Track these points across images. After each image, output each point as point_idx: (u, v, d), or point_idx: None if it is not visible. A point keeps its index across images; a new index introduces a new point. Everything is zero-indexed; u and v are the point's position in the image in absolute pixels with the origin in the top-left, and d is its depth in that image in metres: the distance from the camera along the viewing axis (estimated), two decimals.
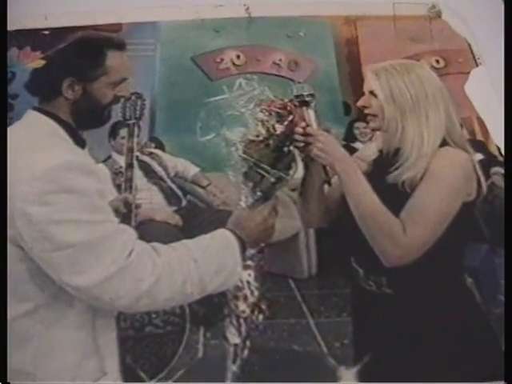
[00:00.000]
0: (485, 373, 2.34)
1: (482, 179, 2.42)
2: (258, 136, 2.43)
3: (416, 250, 2.33)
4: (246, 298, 2.61)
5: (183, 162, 3.66)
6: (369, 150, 2.70)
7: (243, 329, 2.64)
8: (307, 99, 2.51)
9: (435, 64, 3.54)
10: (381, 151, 2.55)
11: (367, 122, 2.55)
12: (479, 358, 2.37)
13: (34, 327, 2.16)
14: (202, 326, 2.86)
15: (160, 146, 3.69)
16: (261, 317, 2.69)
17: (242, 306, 2.61)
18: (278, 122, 2.45)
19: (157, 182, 3.58)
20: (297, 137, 2.44)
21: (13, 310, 2.15)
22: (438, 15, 3.18)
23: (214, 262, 2.24)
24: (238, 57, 3.59)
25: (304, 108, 2.50)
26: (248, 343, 2.63)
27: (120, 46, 2.33)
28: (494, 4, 2.91)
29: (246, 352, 2.62)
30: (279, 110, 2.46)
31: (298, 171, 2.48)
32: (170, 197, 3.57)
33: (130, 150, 3.38)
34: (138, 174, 3.43)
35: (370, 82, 2.49)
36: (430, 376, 2.35)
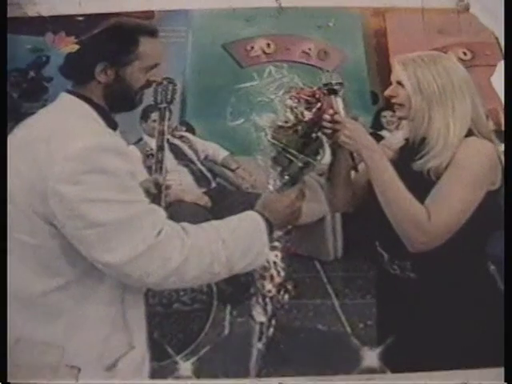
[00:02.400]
0: (506, 358, 2.34)
1: None
2: (286, 122, 2.43)
3: (440, 236, 2.33)
4: (272, 278, 2.62)
5: (213, 146, 3.65)
6: (395, 138, 2.70)
7: (269, 308, 2.64)
8: (335, 87, 2.52)
9: (462, 56, 3.51)
10: (407, 140, 2.54)
11: (394, 111, 2.55)
12: (498, 343, 2.37)
13: (65, 302, 2.17)
14: (228, 304, 2.86)
15: (191, 129, 3.68)
16: (286, 296, 2.69)
17: (269, 286, 2.62)
18: (306, 109, 2.44)
19: (187, 164, 3.58)
20: (325, 124, 2.43)
21: (45, 284, 2.15)
22: (467, 8, 3.16)
23: (241, 242, 2.23)
24: (269, 45, 3.59)
25: (332, 96, 2.50)
26: (273, 322, 2.64)
27: (152, 33, 2.33)
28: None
29: (271, 330, 2.63)
30: (308, 98, 2.46)
31: (326, 157, 2.47)
32: (200, 179, 3.58)
33: (161, 133, 3.39)
34: (168, 156, 3.44)
35: (398, 73, 2.48)
36: (451, 360, 2.34)
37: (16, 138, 2.20)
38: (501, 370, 2.24)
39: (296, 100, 2.46)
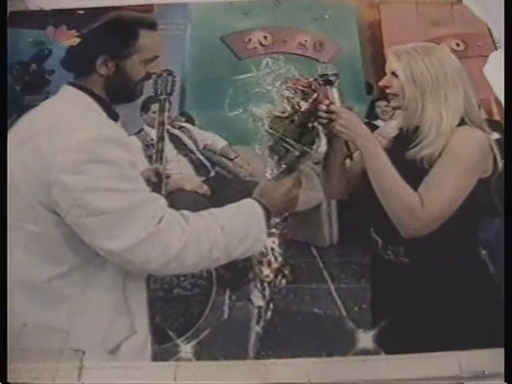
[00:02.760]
0: (494, 340, 2.37)
1: (498, 157, 2.42)
2: (283, 112, 2.45)
3: (433, 222, 2.36)
4: (270, 264, 2.65)
5: (212, 136, 3.67)
6: (389, 127, 2.73)
7: (267, 292, 2.67)
8: (331, 78, 2.54)
9: (455, 47, 3.53)
10: (401, 129, 2.56)
11: (388, 101, 2.57)
12: (489, 326, 2.41)
13: (69, 288, 2.22)
14: (227, 289, 2.88)
15: (190, 120, 3.69)
16: (284, 281, 2.72)
17: (266, 271, 2.65)
18: (302, 99, 2.47)
19: (186, 154, 3.60)
20: (321, 113, 2.46)
21: (48, 271, 2.20)
22: (459, 0, 3.19)
23: (240, 229, 2.27)
24: (265, 37, 3.60)
25: (328, 87, 2.53)
26: (271, 306, 2.67)
27: (152, 26, 2.36)
28: None
29: (269, 314, 2.66)
30: (304, 88, 2.49)
31: (322, 146, 2.50)
32: (199, 168, 3.59)
33: (161, 124, 3.42)
34: (168, 146, 3.46)
35: (392, 63, 2.50)
36: (443, 342, 2.36)
37: (19, 130, 2.24)
38: (491, 351, 2.28)
39: (293, 91, 2.49)
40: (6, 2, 2.70)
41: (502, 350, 2.21)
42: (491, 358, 2.28)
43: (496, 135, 2.64)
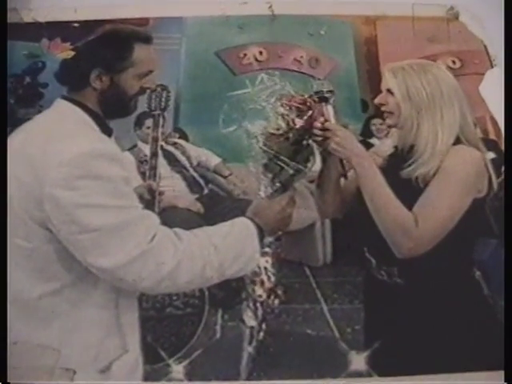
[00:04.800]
0: (490, 362, 2.37)
1: (494, 177, 2.43)
2: (278, 129, 2.45)
3: (427, 242, 2.36)
4: (262, 283, 2.64)
5: (206, 153, 3.67)
6: (384, 145, 2.74)
7: (259, 312, 2.67)
8: (326, 95, 2.54)
9: (451, 64, 3.54)
10: (396, 147, 2.57)
11: (384, 119, 2.57)
12: (485, 348, 2.40)
13: (60, 305, 2.20)
14: (220, 309, 2.88)
15: (184, 136, 3.69)
16: (277, 301, 2.72)
17: (259, 291, 2.65)
18: (297, 116, 2.46)
19: (180, 171, 3.60)
20: (315, 131, 2.46)
21: (40, 288, 2.18)
22: (456, 17, 3.19)
23: (233, 248, 2.26)
24: (261, 53, 3.60)
25: (323, 104, 2.52)
26: (264, 326, 2.66)
27: (147, 40, 2.36)
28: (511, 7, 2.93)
29: (261, 334, 2.65)
30: (299, 105, 2.49)
31: (316, 164, 2.50)
32: (193, 185, 3.59)
33: (155, 140, 3.41)
34: (162, 162, 3.46)
35: (388, 81, 2.50)
36: (437, 364, 2.37)
37: (12, 144, 2.22)
38: (485, 374, 2.28)
39: (287, 107, 2.48)
40: (6, 14, 2.70)
41: (497, 373, 2.21)
42: (486, 381, 2.28)
43: (491, 155, 2.65)
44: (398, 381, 2.34)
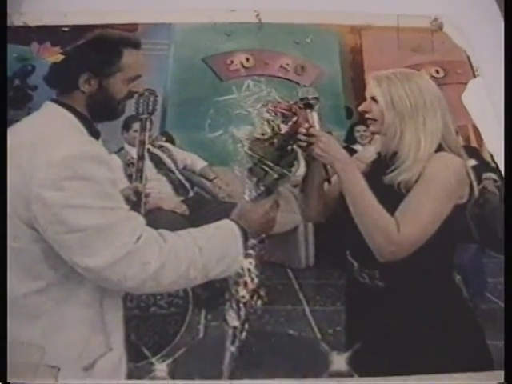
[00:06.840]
0: (469, 364, 2.39)
1: (475, 183, 2.45)
2: (263, 134, 2.47)
3: (408, 247, 2.38)
4: (246, 285, 2.65)
5: (192, 156, 3.66)
6: (368, 152, 2.75)
7: (242, 313, 2.67)
8: (311, 102, 2.56)
9: (435, 74, 3.54)
10: (379, 153, 2.59)
11: (367, 126, 2.59)
12: (464, 350, 2.42)
13: (45, 304, 2.21)
14: (203, 309, 2.88)
15: (170, 140, 3.68)
16: (259, 302, 2.72)
17: (242, 292, 2.65)
18: (283, 122, 2.48)
19: (166, 174, 3.59)
20: (300, 137, 2.47)
21: (25, 287, 2.19)
22: (440, 28, 3.21)
23: (217, 249, 2.29)
24: (248, 59, 3.60)
25: (308, 110, 2.55)
26: (246, 326, 2.66)
27: (135, 45, 2.38)
28: (494, 18, 2.97)
29: (244, 334, 2.65)
30: (284, 111, 2.50)
31: (300, 169, 2.51)
32: (178, 187, 3.58)
33: (142, 143, 3.41)
34: (148, 165, 3.45)
35: (372, 89, 2.53)
36: (416, 365, 2.39)
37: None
38: (465, 375, 2.30)
39: (273, 113, 2.50)
40: (6, 17, 2.71)
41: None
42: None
43: (473, 162, 2.67)
44: (378, 381, 2.36)
